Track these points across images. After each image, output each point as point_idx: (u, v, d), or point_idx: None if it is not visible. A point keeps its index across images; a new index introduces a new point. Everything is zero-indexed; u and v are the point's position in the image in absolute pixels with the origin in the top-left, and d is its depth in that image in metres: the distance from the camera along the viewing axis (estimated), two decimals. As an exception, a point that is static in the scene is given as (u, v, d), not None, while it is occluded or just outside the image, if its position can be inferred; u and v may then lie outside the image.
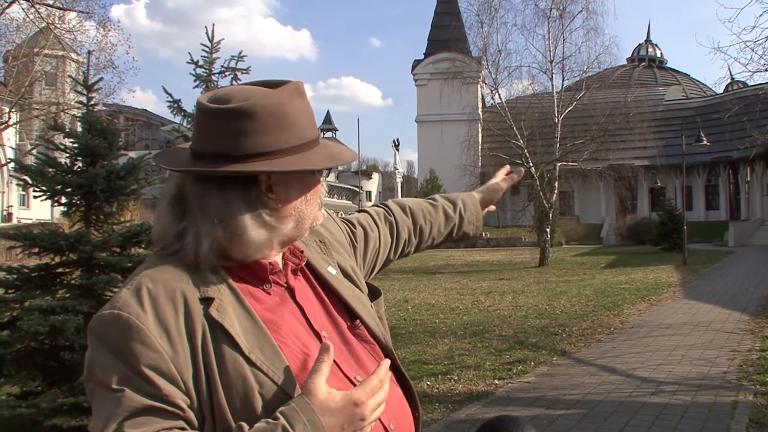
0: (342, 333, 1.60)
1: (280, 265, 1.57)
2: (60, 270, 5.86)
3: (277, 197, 1.50)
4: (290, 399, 1.37)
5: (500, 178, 2.40)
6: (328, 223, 1.86)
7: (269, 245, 1.51)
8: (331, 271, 1.70)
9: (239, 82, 7.97)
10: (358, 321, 1.66)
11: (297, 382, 1.41)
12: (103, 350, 1.35)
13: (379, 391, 1.42)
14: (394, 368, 1.67)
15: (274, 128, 1.46)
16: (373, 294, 1.81)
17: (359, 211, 2.10)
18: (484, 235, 52.26)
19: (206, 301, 1.41)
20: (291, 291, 1.57)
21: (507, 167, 2.45)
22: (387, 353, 1.68)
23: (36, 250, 5.68)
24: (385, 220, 2.09)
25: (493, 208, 2.42)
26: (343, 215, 2.03)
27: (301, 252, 1.63)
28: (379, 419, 1.48)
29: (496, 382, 8.81)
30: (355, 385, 1.47)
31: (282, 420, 1.31)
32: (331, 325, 1.59)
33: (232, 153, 1.44)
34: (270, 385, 1.39)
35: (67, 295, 5.70)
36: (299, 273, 1.62)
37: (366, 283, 1.84)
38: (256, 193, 1.47)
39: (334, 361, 1.46)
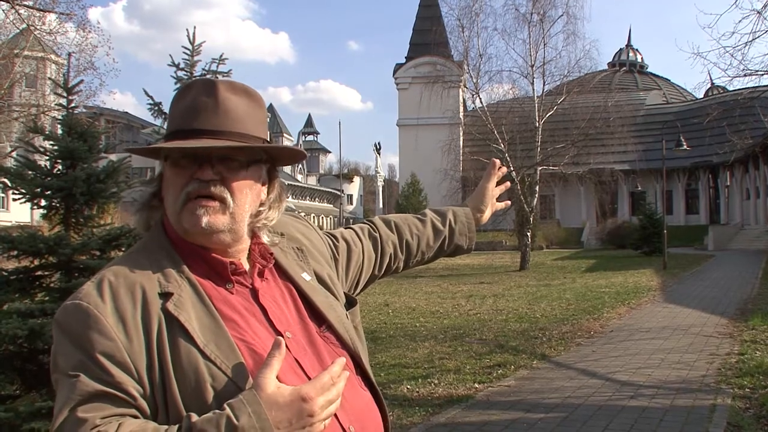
0: (310, 335, 1.63)
1: (245, 267, 1.63)
2: (39, 273, 5.80)
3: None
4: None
5: (484, 178, 2.42)
6: (309, 233, 1.91)
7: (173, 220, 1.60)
8: (305, 277, 1.74)
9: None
10: (325, 326, 1.69)
11: (251, 377, 1.44)
12: (64, 339, 1.43)
13: (330, 388, 1.44)
14: (363, 374, 1.71)
15: (169, 116, 1.66)
16: (350, 303, 1.85)
17: (346, 227, 2.13)
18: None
19: (165, 296, 1.49)
20: (255, 292, 1.62)
21: (494, 161, 2.46)
22: (355, 359, 1.70)
23: (15, 252, 5.63)
24: (369, 235, 2.12)
25: (501, 205, 2.45)
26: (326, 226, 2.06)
27: (271, 254, 1.69)
28: (338, 420, 1.51)
29: (476, 385, 8.84)
30: None
31: (228, 410, 1.35)
32: (300, 326, 1.63)
33: None
34: (222, 378, 1.44)
35: (47, 298, 5.66)
36: (270, 276, 1.68)
37: (344, 293, 1.87)
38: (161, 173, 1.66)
39: (297, 360, 1.52)
